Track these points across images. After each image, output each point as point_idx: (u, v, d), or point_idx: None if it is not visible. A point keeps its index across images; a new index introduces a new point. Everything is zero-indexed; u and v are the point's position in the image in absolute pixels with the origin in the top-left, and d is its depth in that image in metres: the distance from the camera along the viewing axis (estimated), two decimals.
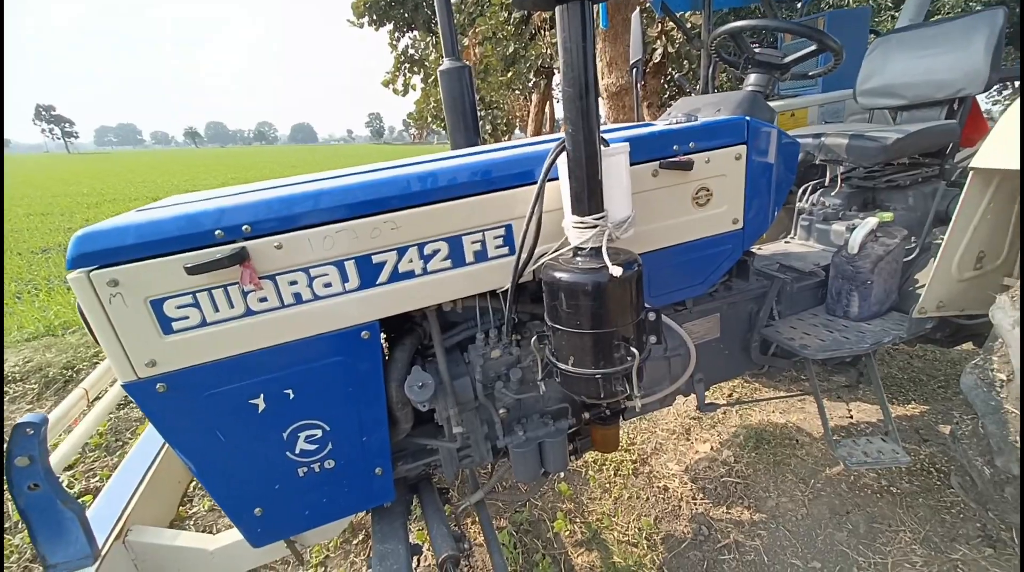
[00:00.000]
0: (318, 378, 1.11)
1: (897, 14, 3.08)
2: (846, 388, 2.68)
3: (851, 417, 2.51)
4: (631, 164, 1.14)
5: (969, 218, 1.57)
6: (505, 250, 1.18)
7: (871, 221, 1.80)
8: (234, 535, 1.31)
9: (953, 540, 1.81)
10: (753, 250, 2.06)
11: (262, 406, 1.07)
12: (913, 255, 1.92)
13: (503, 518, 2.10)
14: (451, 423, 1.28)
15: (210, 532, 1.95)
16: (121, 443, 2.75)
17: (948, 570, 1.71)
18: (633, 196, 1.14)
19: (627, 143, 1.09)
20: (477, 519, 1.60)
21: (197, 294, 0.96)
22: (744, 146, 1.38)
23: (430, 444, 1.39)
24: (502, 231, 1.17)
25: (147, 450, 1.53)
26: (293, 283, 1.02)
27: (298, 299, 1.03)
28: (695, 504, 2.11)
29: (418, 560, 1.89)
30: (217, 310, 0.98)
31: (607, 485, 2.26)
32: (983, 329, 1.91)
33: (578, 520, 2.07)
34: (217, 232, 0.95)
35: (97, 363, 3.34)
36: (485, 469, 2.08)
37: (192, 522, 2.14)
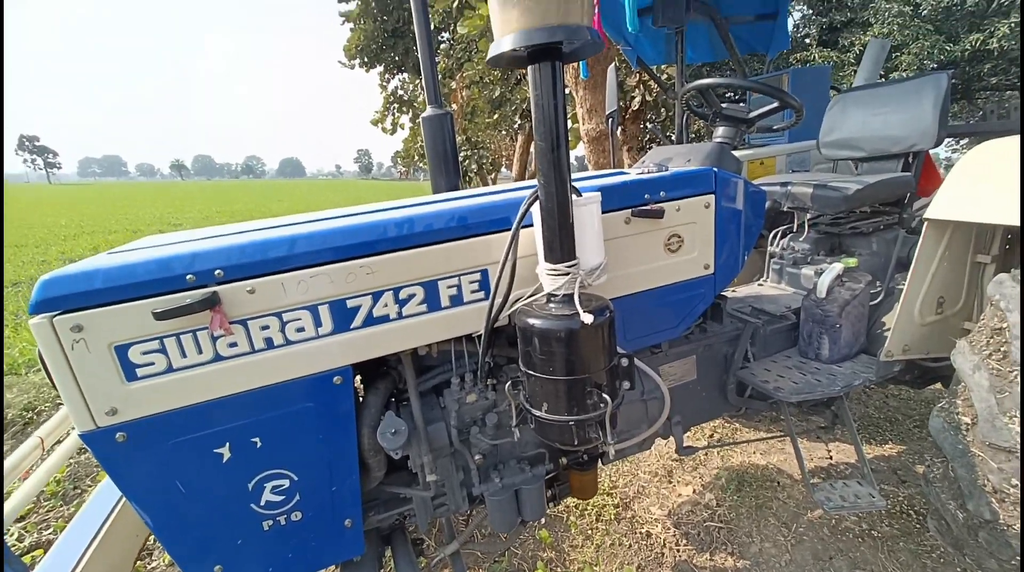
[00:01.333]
0: (287, 425, 1.08)
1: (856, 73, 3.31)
2: (823, 429, 2.69)
3: (830, 458, 2.51)
4: (604, 212, 1.18)
5: (927, 265, 1.64)
6: (481, 295, 1.19)
7: (837, 266, 1.87)
8: None
9: None
10: (727, 293, 2.11)
11: (227, 455, 1.04)
12: (879, 299, 1.99)
13: (481, 569, 2.02)
14: (425, 470, 1.25)
15: None
16: (80, 491, 2.60)
17: None
18: (606, 242, 1.17)
19: (598, 193, 1.13)
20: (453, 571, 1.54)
21: (164, 339, 0.95)
22: (712, 195, 1.44)
23: (403, 493, 1.35)
24: (478, 276, 1.18)
25: (104, 501, 1.45)
26: (265, 328, 1.01)
27: (269, 344, 1.02)
28: (678, 551, 2.06)
29: None
30: (184, 356, 0.97)
31: (589, 531, 2.20)
32: (948, 371, 1.96)
33: (559, 570, 2.00)
34: (188, 276, 0.95)
35: (60, 405, 3.20)
36: (462, 516, 2.02)
37: None
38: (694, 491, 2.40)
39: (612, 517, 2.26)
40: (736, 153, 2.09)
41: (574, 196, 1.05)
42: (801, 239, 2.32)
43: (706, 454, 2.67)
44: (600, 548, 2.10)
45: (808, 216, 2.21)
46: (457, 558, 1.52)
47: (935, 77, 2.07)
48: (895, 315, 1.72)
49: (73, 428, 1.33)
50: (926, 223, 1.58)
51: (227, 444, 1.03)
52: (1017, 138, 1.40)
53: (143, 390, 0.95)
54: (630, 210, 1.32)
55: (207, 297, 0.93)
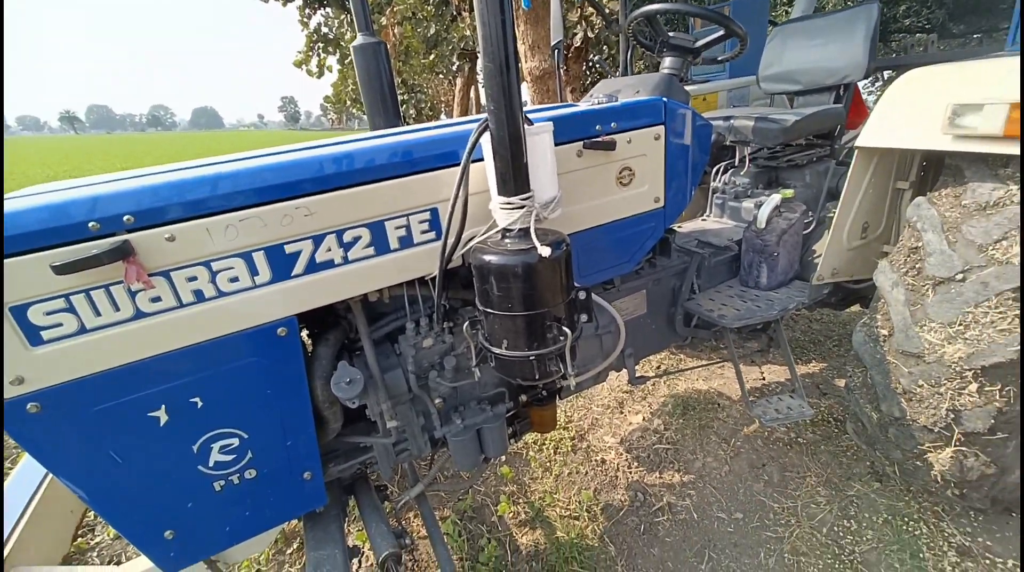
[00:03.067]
0: (230, 382, 1.01)
1: (791, 8, 3.34)
2: (759, 353, 2.92)
3: (764, 379, 2.74)
4: (556, 144, 1.13)
5: (855, 193, 1.75)
6: (432, 235, 1.13)
7: (775, 198, 1.95)
8: (144, 563, 1.18)
9: (849, 479, 2.05)
10: (673, 228, 2.16)
11: (164, 419, 0.96)
12: (810, 228, 2.12)
13: (446, 508, 2.08)
14: (384, 418, 1.23)
15: (117, 563, 1.75)
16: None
17: (846, 505, 1.93)
18: (559, 177, 1.13)
19: (551, 122, 1.08)
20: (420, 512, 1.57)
21: (71, 297, 0.83)
22: (662, 126, 1.43)
23: (363, 441, 1.33)
24: (427, 215, 1.12)
25: (28, 479, 1.33)
26: (192, 279, 0.91)
27: (199, 297, 0.93)
28: (631, 473, 2.21)
29: (360, 561, 1.83)
30: (99, 314, 0.86)
31: (548, 464, 2.30)
32: (868, 292, 2.16)
33: (521, 501, 2.10)
34: (91, 224, 0.82)
35: None
36: (424, 460, 2.05)
37: (95, 554, 1.91)
38: (643, 419, 2.56)
39: (569, 449, 2.38)
40: None
41: (526, 125, 0.99)
42: (742, 174, 2.39)
43: (653, 384, 2.84)
44: (559, 478, 2.22)
45: (748, 150, 2.27)
46: (423, 500, 1.54)
47: (867, 8, 2.12)
48: (825, 242, 1.83)
49: None
50: (856, 151, 1.66)
51: (163, 407, 0.95)
52: (933, 67, 1.47)
53: (53, 355, 0.84)
54: (582, 142, 1.29)
55: (117, 246, 0.82)
